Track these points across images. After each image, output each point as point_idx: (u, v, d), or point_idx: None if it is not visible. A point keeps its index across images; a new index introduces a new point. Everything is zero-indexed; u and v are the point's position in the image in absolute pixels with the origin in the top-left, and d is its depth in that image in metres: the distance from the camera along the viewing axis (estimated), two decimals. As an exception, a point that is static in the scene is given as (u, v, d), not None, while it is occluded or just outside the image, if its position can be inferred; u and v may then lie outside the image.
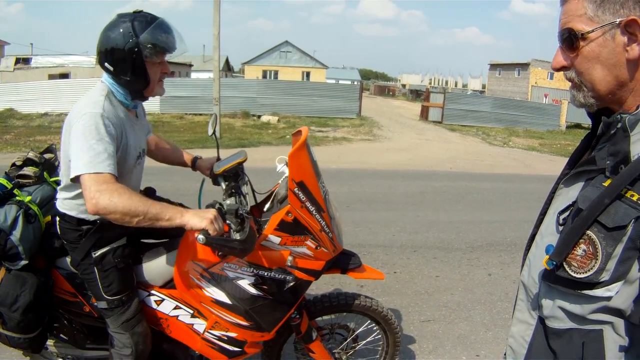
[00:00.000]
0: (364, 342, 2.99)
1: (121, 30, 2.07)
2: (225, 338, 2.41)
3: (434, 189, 9.96)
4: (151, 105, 23.00)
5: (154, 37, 2.09)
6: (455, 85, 79.44)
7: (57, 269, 2.51)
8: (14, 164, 2.59)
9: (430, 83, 77.95)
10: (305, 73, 51.30)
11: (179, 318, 2.44)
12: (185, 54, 2.30)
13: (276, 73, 50.46)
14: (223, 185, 2.55)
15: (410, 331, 4.00)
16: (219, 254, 2.19)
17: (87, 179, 1.91)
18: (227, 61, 54.41)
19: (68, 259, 2.45)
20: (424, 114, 27.17)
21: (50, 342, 2.72)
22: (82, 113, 2.03)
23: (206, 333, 2.42)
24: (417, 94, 54.20)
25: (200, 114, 21.81)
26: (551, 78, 54.11)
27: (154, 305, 2.45)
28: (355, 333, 2.94)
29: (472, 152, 16.15)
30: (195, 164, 2.83)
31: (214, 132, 2.70)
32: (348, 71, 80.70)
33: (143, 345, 2.39)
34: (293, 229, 2.27)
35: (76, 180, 1.97)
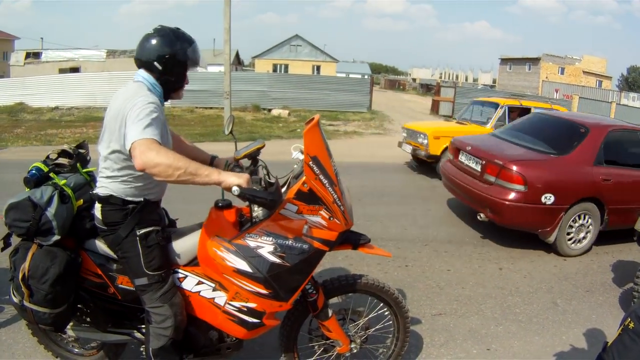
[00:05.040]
0: (375, 328, 3.10)
1: (177, 41, 2.46)
2: (245, 309, 2.56)
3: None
4: (162, 98, 23.03)
5: (193, 52, 2.51)
6: (466, 80, 78.93)
7: (85, 251, 2.67)
8: (48, 157, 2.80)
9: (440, 77, 77.49)
10: (315, 67, 51.20)
11: (200, 293, 2.61)
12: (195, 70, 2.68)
13: (286, 67, 50.41)
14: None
15: (421, 324, 4.04)
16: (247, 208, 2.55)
17: (138, 143, 2.17)
18: (237, 55, 54.27)
19: (98, 242, 2.64)
20: (435, 108, 27.04)
21: (69, 326, 2.85)
22: (135, 100, 2.32)
23: (227, 305, 2.57)
24: (427, 88, 53.88)
25: (211, 107, 21.86)
26: (562, 73, 53.72)
27: (178, 283, 2.62)
28: (368, 318, 3.04)
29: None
30: (212, 163, 2.99)
31: (231, 132, 2.88)
32: (358, 65, 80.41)
33: (181, 315, 2.58)
34: (308, 198, 2.48)
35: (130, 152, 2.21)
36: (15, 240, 2.69)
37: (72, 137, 14.42)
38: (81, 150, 2.93)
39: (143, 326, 2.73)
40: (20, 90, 22.60)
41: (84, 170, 2.84)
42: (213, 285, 2.59)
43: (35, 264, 2.48)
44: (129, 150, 2.20)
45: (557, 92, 38.97)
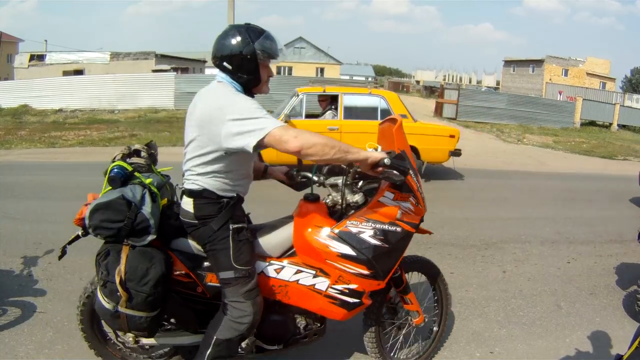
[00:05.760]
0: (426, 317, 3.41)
1: (239, 37, 2.42)
2: (347, 291, 2.72)
3: (448, 185, 9.95)
4: (165, 101, 23.08)
5: (265, 44, 2.46)
6: (470, 82, 78.62)
7: (172, 250, 2.64)
8: (115, 158, 2.72)
9: (444, 79, 77.15)
10: (319, 69, 51.12)
11: (299, 282, 2.73)
12: (283, 59, 2.65)
13: (290, 69, 50.30)
14: (315, 177, 2.96)
15: (424, 327, 4.01)
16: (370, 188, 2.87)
17: (278, 131, 2.22)
18: (241, 57, 54.14)
19: (187, 240, 2.64)
20: (438, 111, 26.96)
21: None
22: (234, 101, 2.34)
23: (329, 289, 2.72)
24: (431, 91, 53.52)
25: (215, 110, 21.79)
26: (566, 75, 53.59)
27: (273, 274, 2.73)
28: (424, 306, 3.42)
29: (486, 149, 16.08)
30: (267, 171, 3.08)
31: None
32: (362, 67, 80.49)
33: (259, 315, 2.60)
34: (401, 187, 2.73)
35: (260, 144, 2.23)
36: (71, 249, 2.65)
37: (77, 139, 14.45)
38: (152, 151, 2.91)
39: None
40: (24, 93, 22.68)
41: (157, 170, 2.83)
42: (313, 272, 2.71)
43: (133, 266, 2.40)
44: (258, 142, 2.21)
45: (560, 94, 38.79)
